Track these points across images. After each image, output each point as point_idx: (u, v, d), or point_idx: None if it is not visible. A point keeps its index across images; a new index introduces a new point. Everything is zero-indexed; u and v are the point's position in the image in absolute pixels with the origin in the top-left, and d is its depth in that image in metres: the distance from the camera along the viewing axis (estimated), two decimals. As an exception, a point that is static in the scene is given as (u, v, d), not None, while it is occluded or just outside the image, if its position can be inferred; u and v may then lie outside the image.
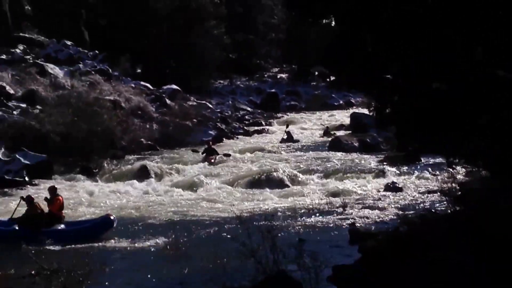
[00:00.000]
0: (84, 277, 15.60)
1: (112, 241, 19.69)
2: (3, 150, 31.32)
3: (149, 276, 15.99)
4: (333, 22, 20.19)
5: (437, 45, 12.24)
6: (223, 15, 64.28)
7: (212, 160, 34.27)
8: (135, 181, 29.94)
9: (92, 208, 24.71)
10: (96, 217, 21.58)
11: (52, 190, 21.25)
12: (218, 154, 35.50)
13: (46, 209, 20.65)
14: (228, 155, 35.76)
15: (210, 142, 36.90)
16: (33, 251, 18.15)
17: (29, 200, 20.53)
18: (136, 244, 19.24)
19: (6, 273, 14.65)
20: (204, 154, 35.36)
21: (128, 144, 38.05)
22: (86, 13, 57.97)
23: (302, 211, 22.72)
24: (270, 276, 9.27)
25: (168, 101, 47.04)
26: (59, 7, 54.44)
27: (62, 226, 20.48)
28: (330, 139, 40.65)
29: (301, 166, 31.89)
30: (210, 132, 44.05)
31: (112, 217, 20.46)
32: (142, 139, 39.59)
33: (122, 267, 17.27)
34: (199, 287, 14.70)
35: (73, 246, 19.54)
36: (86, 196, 27.08)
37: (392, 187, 26.06)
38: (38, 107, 37.16)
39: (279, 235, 13.36)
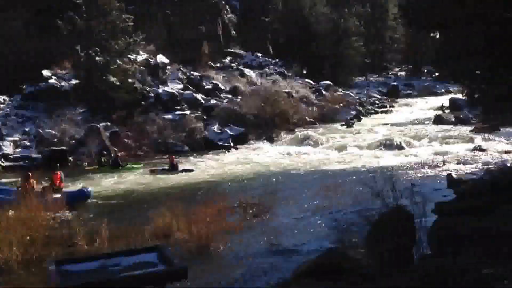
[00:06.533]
0: (269, 207, 15.81)
1: (289, 173, 19.83)
2: (217, 125, 32.59)
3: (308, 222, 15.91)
4: (437, 35, 19.38)
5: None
6: (361, 32, 63.65)
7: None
8: (298, 145, 30.31)
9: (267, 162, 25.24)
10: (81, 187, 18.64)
11: (53, 171, 18.61)
12: (176, 169, 23.19)
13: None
14: (190, 170, 23.29)
15: (173, 157, 24.32)
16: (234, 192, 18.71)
17: (25, 176, 17.72)
18: (295, 187, 19.34)
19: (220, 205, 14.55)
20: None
21: (298, 121, 38.25)
22: (271, 35, 58.77)
23: (414, 165, 22.06)
24: (390, 209, 9.00)
25: (323, 92, 46.74)
26: (253, 32, 55.31)
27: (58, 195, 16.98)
28: (435, 115, 38.81)
29: (413, 134, 30.91)
30: (352, 112, 43.50)
31: (88, 189, 17.99)
32: (306, 117, 39.63)
33: (302, 197, 17.31)
34: (345, 213, 14.65)
35: (261, 181, 19.90)
36: (266, 155, 27.79)
37: (479, 149, 24.92)
38: (239, 97, 37.93)
39: (398, 181, 13.00)
